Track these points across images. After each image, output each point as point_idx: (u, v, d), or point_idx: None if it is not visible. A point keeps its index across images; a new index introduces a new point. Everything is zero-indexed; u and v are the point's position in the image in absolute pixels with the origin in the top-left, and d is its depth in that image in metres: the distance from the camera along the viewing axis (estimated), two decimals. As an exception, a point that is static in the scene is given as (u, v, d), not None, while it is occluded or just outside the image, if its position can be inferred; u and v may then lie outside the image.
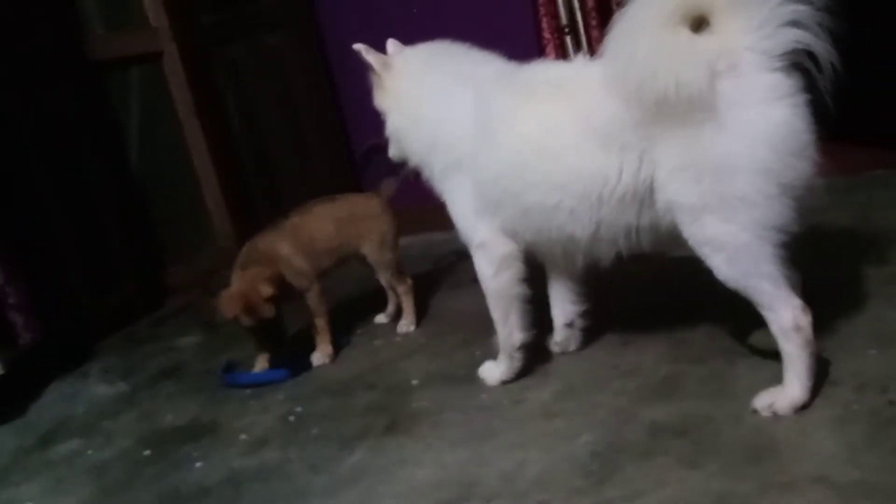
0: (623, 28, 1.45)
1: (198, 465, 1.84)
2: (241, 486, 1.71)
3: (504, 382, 1.88)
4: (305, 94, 3.92)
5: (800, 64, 1.42)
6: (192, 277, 3.30)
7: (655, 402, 1.64)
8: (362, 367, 2.20)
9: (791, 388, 1.47)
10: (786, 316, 1.46)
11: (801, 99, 1.42)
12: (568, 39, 3.03)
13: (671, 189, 1.49)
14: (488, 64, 1.81)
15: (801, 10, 1.38)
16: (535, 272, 1.88)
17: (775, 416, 1.47)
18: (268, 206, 3.60)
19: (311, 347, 2.30)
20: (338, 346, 2.33)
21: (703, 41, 1.43)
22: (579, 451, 1.52)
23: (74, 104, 2.95)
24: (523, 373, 1.89)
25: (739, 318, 1.63)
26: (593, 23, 3.00)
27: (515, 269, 1.80)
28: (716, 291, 1.52)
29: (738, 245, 1.46)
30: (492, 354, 1.92)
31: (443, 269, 2.83)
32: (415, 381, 2.02)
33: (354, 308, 2.64)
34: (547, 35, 3.02)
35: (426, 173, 1.88)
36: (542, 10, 3.01)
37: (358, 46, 1.86)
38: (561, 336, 1.97)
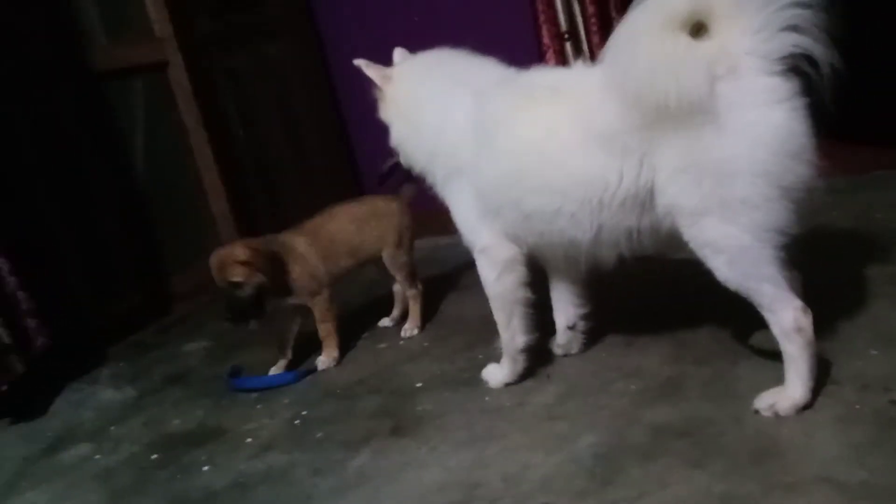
0: (623, 34, 1.46)
1: (205, 469, 1.85)
2: (248, 489, 1.72)
3: (507, 385, 1.89)
4: (306, 102, 3.94)
5: (800, 67, 1.43)
6: (198, 285, 3.31)
7: (658, 403, 1.65)
8: (367, 371, 2.21)
9: (793, 389, 1.48)
10: (787, 317, 1.47)
11: (801, 102, 1.43)
12: (568, 46, 3.04)
13: (671, 192, 1.49)
14: (487, 70, 1.83)
15: (800, 14, 1.39)
16: (537, 275, 1.89)
17: (777, 417, 1.48)
18: (270, 214, 3.63)
19: (315, 350, 2.32)
20: (342, 349, 2.34)
21: (703, 46, 1.44)
22: (582, 452, 1.53)
23: (78, 114, 2.98)
24: (526, 375, 1.90)
25: (741, 319, 1.64)
26: (594, 29, 3.01)
27: (518, 273, 1.81)
28: (717, 293, 1.53)
29: (738, 247, 1.47)
30: (495, 357, 1.93)
31: (446, 273, 2.84)
32: (419, 385, 2.03)
33: (359, 312, 2.66)
34: (546, 41, 3.03)
35: (430, 180, 1.90)
36: (542, 17, 3.02)
37: (359, 62, 1.88)
38: (563, 339, 1.98)
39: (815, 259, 1.74)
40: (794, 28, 1.39)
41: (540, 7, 3.02)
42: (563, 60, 3.02)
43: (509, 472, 1.53)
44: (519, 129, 1.65)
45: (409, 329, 2.41)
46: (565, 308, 1.96)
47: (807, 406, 1.48)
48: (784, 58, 1.41)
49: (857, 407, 1.46)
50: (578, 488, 1.42)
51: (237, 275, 2.12)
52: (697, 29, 1.46)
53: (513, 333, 1.85)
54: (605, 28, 2.98)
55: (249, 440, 1.94)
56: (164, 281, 3.25)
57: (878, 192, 2.59)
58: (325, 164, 3.97)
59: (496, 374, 1.91)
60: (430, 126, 1.82)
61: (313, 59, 3.97)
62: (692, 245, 1.53)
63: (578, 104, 1.60)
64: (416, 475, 1.61)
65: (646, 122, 1.46)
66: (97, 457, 2.05)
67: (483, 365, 1.96)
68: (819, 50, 1.38)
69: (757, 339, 1.72)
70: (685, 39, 1.43)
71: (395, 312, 2.53)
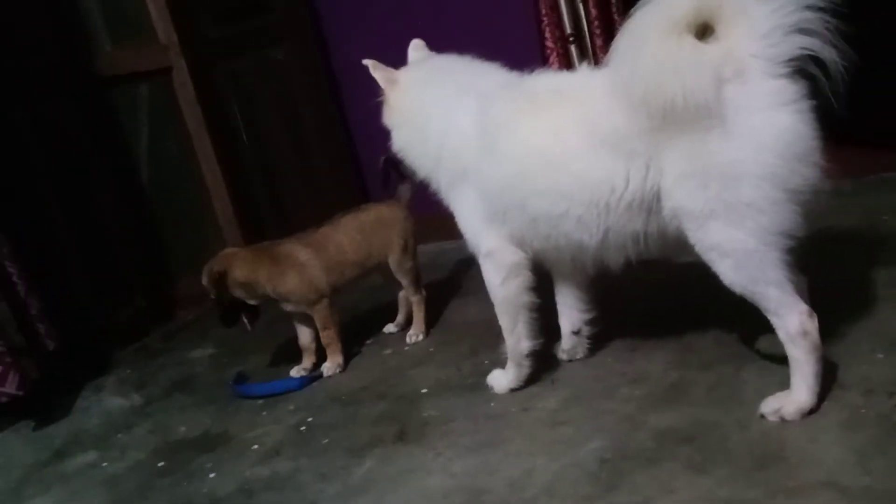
0: (629, 37, 1.46)
1: (211, 475, 1.86)
2: (254, 495, 1.72)
3: (512, 390, 1.89)
4: (311, 107, 3.94)
5: (806, 69, 1.42)
6: (203, 290, 3.32)
7: (663, 408, 1.65)
8: (372, 377, 2.21)
9: (798, 394, 1.48)
10: (792, 321, 1.46)
11: (807, 105, 1.42)
12: (573, 48, 3.04)
13: (678, 196, 1.49)
14: (491, 75, 1.83)
15: (807, 17, 1.38)
16: (542, 280, 1.89)
17: (783, 422, 1.47)
18: (274, 219, 3.63)
19: (321, 357, 2.32)
20: (348, 355, 2.35)
21: (709, 49, 1.43)
22: (587, 458, 1.53)
23: (83, 120, 2.99)
24: (531, 380, 1.90)
25: (747, 323, 1.64)
26: (597, 31, 3.01)
27: (523, 278, 1.81)
28: (723, 297, 1.52)
29: (744, 251, 1.46)
30: (500, 362, 1.93)
31: (451, 278, 2.84)
32: (424, 390, 2.04)
33: (364, 318, 2.66)
34: (550, 45, 3.03)
35: (434, 185, 1.90)
36: (546, 20, 3.02)
37: (367, 62, 1.88)
38: (569, 344, 1.98)
39: (822, 262, 1.73)
40: (800, 31, 1.39)
41: (543, 10, 3.02)
42: (566, 63, 3.02)
43: (514, 478, 1.53)
44: (524, 133, 1.65)
45: (414, 334, 2.41)
46: (570, 313, 1.96)
47: (812, 410, 1.47)
48: (790, 60, 1.41)
49: (863, 411, 1.46)
50: (583, 493, 1.42)
51: (210, 294, 2.20)
52: (703, 31, 1.46)
53: (518, 338, 1.85)
54: (608, 31, 2.97)
55: (255, 446, 1.95)
56: (169, 286, 3.26)
57: (886, 194, 2.58)
58: (329, 168, 3.98)
59: (501, 379, 1.91)
60: (434, 132, 1.82)
61: (317, 64, 3.98)
62: (698, 249, 1.52)
63: (584, 107, 1.60)
64: (421, 481, 1.61)
65: (652, 125, 1.46)
66: (103, 464, 2.06)
67: (488, 370, 1.96)
68: (826, 52, 1.38)
69: (762, 343, 1.71)
70: (691, 41, 1.43)
71: (400, 318, 2.53)
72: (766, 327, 1.52)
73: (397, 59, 1.98)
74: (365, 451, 1.78)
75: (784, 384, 1.51)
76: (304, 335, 2.34)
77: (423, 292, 2.45)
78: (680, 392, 1.70)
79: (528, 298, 1.83)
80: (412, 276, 2.43)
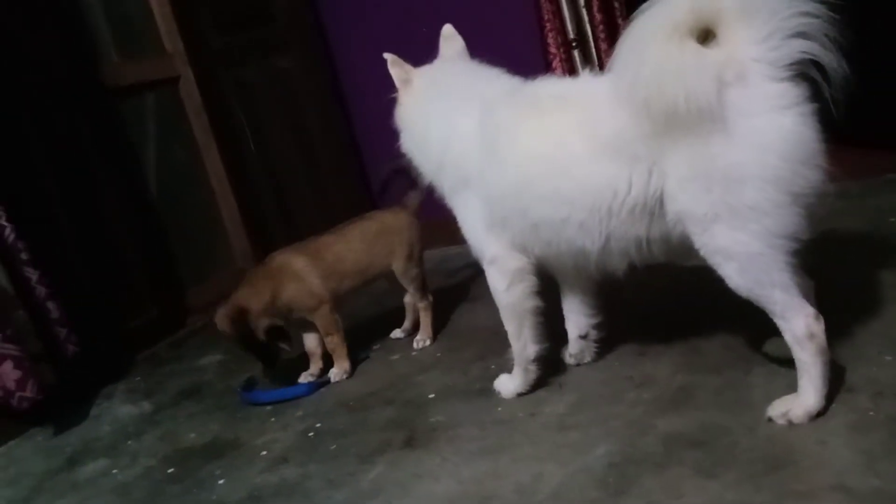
0: (631, 41, 1.46)
1: (220, 482, 1.87)
2: (263, 502, 1.73)
3: (519, 395, 1.89)
4: (317, 114, 3.97)
5: (807, 73, 1.43)
6: (212, 298, 3.34)
7: (671, 412, 1.65)
8: (380, 383, 2.22)
9: (806, 397, 1.47)
10: (799, 324, 1.46)
11: (809, 107, 1.42)
12: (576, 53, 3.05)
13: (681, 199, 1.49)
14: (496, 81, 1.83)
15: (807, 22, 1.38)
16: (549, 284, 1.90)
17: (791, 425, 1.47)
18: (282, 226, 3.65)
19: (329, 363, 2.33)
20: (355, 361, 2.36)
21: (711, 53, 1.44)
22: (595, 463, 1.53)
23: (91, 131, 3.01)
24: (538, 385, 1.90)
25: (754, 326, 1.63)
26: (601, 36, 3.01)
27: (528, 283, 1.81)
28: (729, 300, 1.52)
29: (749, 254, 1.46)
30: (507, 367, 1.93)
31: (457, 284, 2.85)
32: (431, 396, 2.04)
33: (371, 324, 2.67)
34: (553, 50, 3.04)
35: (439, 190, 1.91)
36: (548, 26, 3.03)
37: (387, 56, 1.88)
38: (575, 348, 1.98)
39: (828, 264, 1.73)
40: (801, 35, 1.39)
41: (546, 16, 3.03)
42: (570, 68, 3.03)
43: (522, 483, 1.53)
44: (526, 138, 1.65)
45: (422, 340, 2.41)
46: (577, 318, 1.96)
47: (820, 413, 1.47)
48: (792, 64, 1.41)
49: (871, 414, 1.45)
50: (591, 498, 1.42)
51: (232, 340, 2.22)
52: (705, 36, 1.46)
53: (524, 343, 1.85)
54: (612, 35, 2.98)
55: (264, 453, 1.96)
56: (178, 294, 3.28)
57: (891, 195, 2.58)
58: (336, 176, 3.99)
59: (508, 384, 1.91)
60: (437, 138, 1.83)
61: (322, 71, 4.01)
62: (703, 252, 1.52)
63: (586, 112, 1.60)
64: (429, 487, 1.61)
65: (655, 130, 1.46)
66: (114, 471, 2.07)
67: (495, 375, 1.96)
68: (825, 56, 1.38)
69: (770, 346, 1.70)
70: (693, 45, 1.43)
71: (407, 324, 2.54)
72: (773, 330, 1.52)
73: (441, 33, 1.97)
74: (373, 457, 1.79)
75: (792, 387, 1.50)
76: (311, 340, 2.35)
77: (430, 298, 2.46)
78: (687, 396, 1.69)
79: (533, 303, 1.83)
80: (418, 282, 2.43)
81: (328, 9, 3.96)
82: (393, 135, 1.96)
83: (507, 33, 3.28)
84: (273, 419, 2.15)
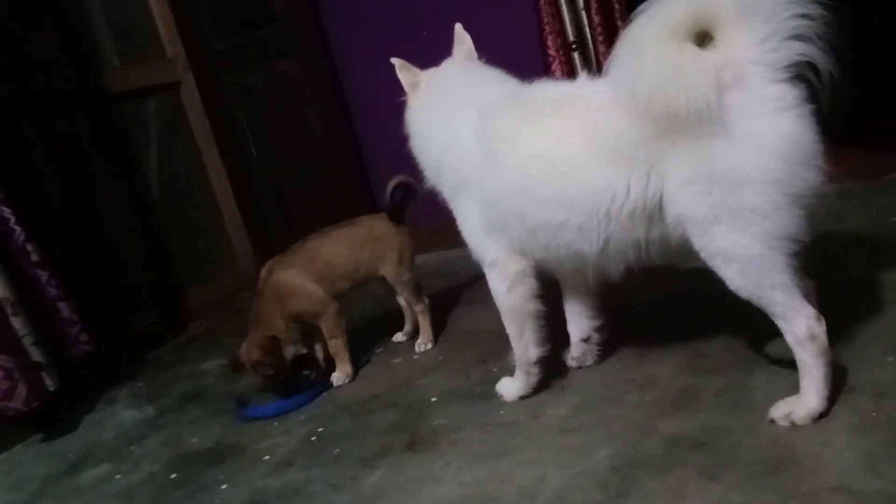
0: (629, 44, 1.47)
1: (223, 487, 1.87)
2: (266, 507, 1.74)
3: (521, 398, 1.89)
4: (318, 118, 3.97)
5: (804, 75, 1.43)
6: (214, 301, 3.35)
7: (673, 414, 1.65)
8: (382, 386, 2.22)
9: (808, 398, 1.47)
10: (800, 325, 1.46)
11: (807, 109, 1.43)
12: (576, 56, 3.05)
13: (681, 202, 1.49)
14: (498, 84, 1.83)
15: (804, 24, 1.39)
16: (550, 287, 1.90)
17: (793, 426, 1.47)
18: (284, 229, 3.66)
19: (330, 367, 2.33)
20: (357, 365, 2.36)
21: (709, 55, 1.44)
22: (598, 465, 1.53)
23: (93, 135, 3.03)
24: (540, 388, 1.90)
25: (755, 328, 1.63)
26: (600, 38, 3.02)
27: (528, 286, 1.81)
28: (731, 301, 1.52)
29: (749, 256, 1.46)
30: (509, 370, 1.93)
31: (458, 286, 2.85)
32: (433, 399, 2.04)
33: (373, 327, 2.67)
34: (553, 52, 3.04)
35: (440, 193, 1.91)
36: (548, 28, 3.04)
37: (394, 60, 1.89)
38: (577, 351, 1.98)
39: (829, 265, 1.73)
40: (797, 37, 1.40)
41: (546, 18, 3.03)
42: (569, 71, 3.03)
43: (524, 486, 1.53)
44: (523, 142, 1.65)
45: (423, 343, 2.42)
46: (579, 320, 1.96)
47: (822, 414, 1.47)
48: (789, 66, 1.41)
49: (874, 414, 1.45)
50: (594, 501, 1.42)
51: (264, 370, 2.20)
52: (702, 38, 1.46)
53: (525, 346, 1.86)
54: (610, 38, 2.99)
55: (266, 457, 1.96)
56: (179, 297, 3.29)
57: (893, 196, 2.57)
58: (337, 179, 4.00)
59: (510, 387, 1.91)
60: (437, 141, 1.84)
61: (324, 75, 4.01)
62: (703, 255, 1.52)
63: (584, 116, 1.60)
64: (431, 490, 1.61)
65: (654, 133, 1.46)
66: (117, 476, 2.07)
67: (497, 378, 1.96)
68: (820, 59, 1.38)
69: (771, 347, 1.70)
70: (691, 48, 1.43)
71: (408, 327, 2.54)
72: (775, 331, 1.52)
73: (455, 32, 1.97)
74: (375, 461, 1.79)
75: (794, 388, 1.50)
76: (312, 350, 2.36)
77: (426, 301, 2.46)
78: (689, 398, 1.69)
79: (533, 306, 1.83)
80: (412, 286, 2.43)
81: (329, 12, 3.97)
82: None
83: (507, 36, 3.28)
84: (275, 423, 2.15)
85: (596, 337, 1.97)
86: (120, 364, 2.83)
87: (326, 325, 2.29)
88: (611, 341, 1.99)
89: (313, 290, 2.27)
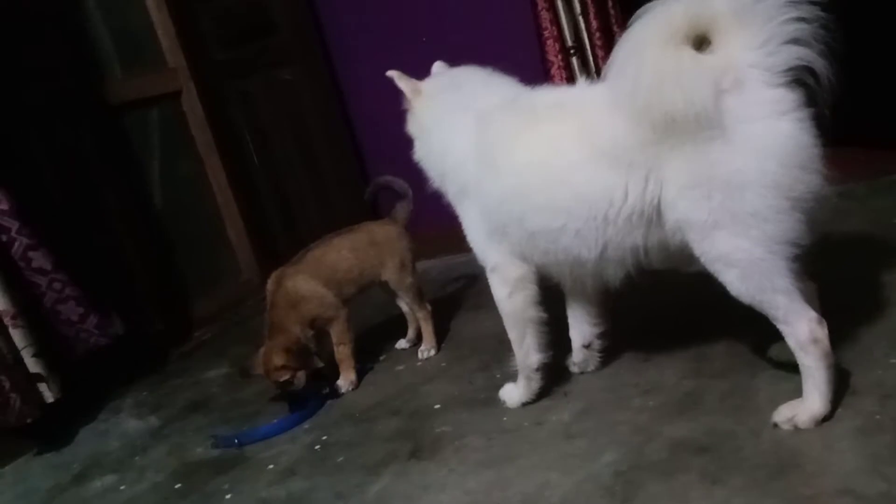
0: (627, 49, 1.47)
1: (228, 496, 1.87)
2: (270, 516, 1.74)
3: (524, 404, 1.89)
4: (319, 126, 3.98)
5: (803, 79, 1.43)
6: (218, 310, 3.36)
7: (676, 418, 1.64)
8: (385, 393, 2.22)
9: (811, 401, 1.47)
10: (802, 329, 1.46)
11: (806, 112, 1.43)
12: (574, 61, 3.06)
13: (681, 207, 1.49)
14: (499, 89, 1.83)
15: (802, 28, 1.39)
16: (552, 293, 1.90)
17: (797, 430, 1.47)
18: (286, 237, 3.66)
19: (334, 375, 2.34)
20: (361, 372, 2.36)
21: (708, 59, 1.44)
22: (602, 471, 1.53)
23: (96, 146, 3.03)
24: (543, 394, 1.90)
25: (758, 331, 1.63)
26: (598, 43, 3.02)
27: (529, 292, 1.81)
28: (733, 305, 1.52)
29: (750, 260, 1.46)
30: (512, 376, 1.93)
31: (461, 293, 2.85)
32: (437, 406, 2.04)
33: (376, 334, 2.67)
34: (552, 57, 3.05)
35: (446, 197, 1.91)
36: (546, 33, 3.04)
37: (391, 73, 1.90)
38: (580, 357, 1.98)
39: (833, 266, 1.73)
40: (795, 41, 1.40)
41: (544, 24, 3.04)
42: (568, 75, 3.04)
43: (528, 493, 1.53)
44: (522, 147, 1.66)
45: (426, 350, 2.42)
46: (581, 326, 1.96)
47: (826, 417, 1.47)
48: (787, 70, 1.42)
49: (878, 417, 1.45)
50: (598, 507, 1.42)
51: (283, 376, 2.20)
52: (700, 43, 1.47)
53: (527, 351, 1.86)
54: (608, 42, 2.99)
55: (271, 466, 1.96)
56: (183, 306, 3.29)
57: (894, 197, 2.56)
58: (339, 186, 4.01)
59: (513, 393, 1.91)
60: (439, 146, 1.85)
61: (325, 83, 4.02)
62: (704, 260, 1.52)
63: (581, 121, 1.60)
64: (435, 498, 1.61)
65: (652, 137, 1.46)
66: (122, 487, 2.08)
67: (500, 384, 1.96)
68: (818, 63, 1.38)
69: (774, 351, 1.70)
70: (689, 52, 1.44)
71: (411, 334, 2.54)
72: (777, 335, 1.52)
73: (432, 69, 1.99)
74: (379, 469, 1.79)
75: (797, 392, 1.50)
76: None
77: (428, 307, 2.46)
78: (693, 402, 1.69)
79: (535, 312, 1.83)
80: (413, 292, 2.44)
81: (330, 20, 3.98)
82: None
83: (506, 41, 3.30)
84: (280, 431, 2.15)
85: (598, 344, 1.96)
86: (123, 375, 2.83)
87: (336, 329, 2.30)
88: (614, 346, 1.99)
89: (325, 294, 2.28)
